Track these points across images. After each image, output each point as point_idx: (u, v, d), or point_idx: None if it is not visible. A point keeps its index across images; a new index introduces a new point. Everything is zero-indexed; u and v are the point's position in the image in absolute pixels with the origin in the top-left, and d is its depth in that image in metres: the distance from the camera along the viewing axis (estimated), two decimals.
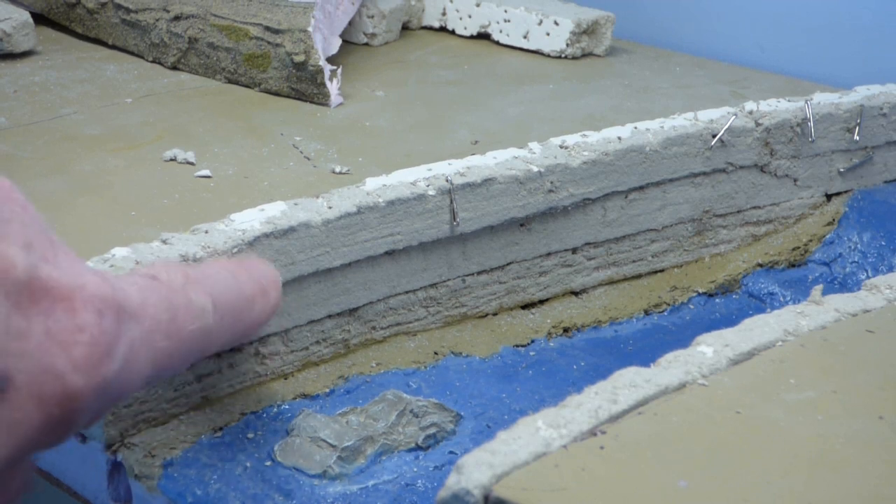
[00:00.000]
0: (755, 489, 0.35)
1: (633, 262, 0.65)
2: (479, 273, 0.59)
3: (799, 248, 0.67)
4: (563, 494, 0.35)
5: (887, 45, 0.90)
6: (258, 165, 0.68)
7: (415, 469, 0.49)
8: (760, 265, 0.66)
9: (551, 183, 0.59)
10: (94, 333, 0.33)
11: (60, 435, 0.33)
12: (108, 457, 0.48)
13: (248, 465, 0.47)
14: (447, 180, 0.56)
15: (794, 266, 0.67)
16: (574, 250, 0.62)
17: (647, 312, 0.63)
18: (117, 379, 0.34)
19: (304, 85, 0.79)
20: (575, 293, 0.63)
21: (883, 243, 0.66)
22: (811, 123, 0.66)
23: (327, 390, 0.52)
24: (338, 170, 0.67)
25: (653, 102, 0.81)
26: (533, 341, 0.59)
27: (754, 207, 0.67)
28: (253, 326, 0.45)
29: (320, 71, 0.78)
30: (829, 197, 0.69)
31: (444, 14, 0.98)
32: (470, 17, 0.96)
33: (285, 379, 0.53)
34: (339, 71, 0.80)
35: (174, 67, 0.85)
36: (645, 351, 0.58)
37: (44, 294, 0.32)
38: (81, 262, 0.34)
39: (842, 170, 0.69)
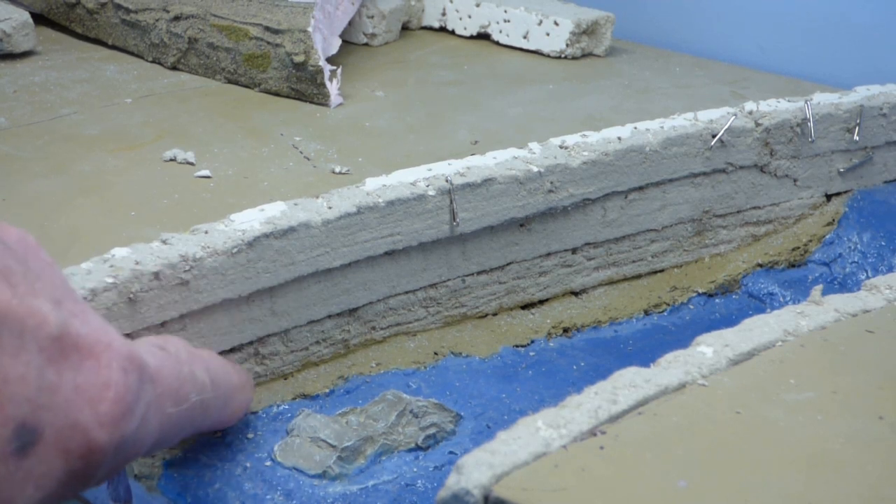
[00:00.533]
0: (755, 489, 0.35)
1: (633, 262, 0.65)
2: (478, 273, 0.59)
3: (799, 248, 0.67)
4: (563, 494, 0.35)
5: (887, 45, 0.90)
6: (258, 165, 0.68)
7: (415, 469, 0.49)
8: (760, 265, 0.66)
9: (551, 183, 0.59)
10: (120, 391, 0.34)
11: (77, 488, 0.34)
12: None
13: (248, 465, 0.47)
14: (447, 180, 0.56)
15: (793, 266, 0.67)
16: (574, 250, 0.62)
17: (646, 312, 0.63)
18: (133, 437, 0.35)
19: (303, 85, 0.79)
20: (575, 293, 0.63)
21: (883, 243, 0.66)
22: (811, 123, 0.66)
23: (327, 390, 0.52)
24: (338, 170, 0.67)
25: (653, 103, 0.81)
26: (533, 341, 0.59)
27: (754, 207, 0.67)
28: (235, 414, 0.46)
29: (320, 71, 0.78)
30: (828, 197, 0.70)
31: (443, 14, 0.98)
32: (470, 17, 0.96)
33: (285, 379, 0.53)
34: (339, 71, 0.80)
35: (174, 67, 0.85)
36: (645, 351, 0.58)
37: (73, 350, 0.33)
38: (105, 322, 0.35)
39: (842, 170, 0.69)
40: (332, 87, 0.79)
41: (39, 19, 0.93)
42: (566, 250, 0.62)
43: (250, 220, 0.50)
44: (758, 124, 0.65)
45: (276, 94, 0.81)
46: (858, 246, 0.66)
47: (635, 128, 0.62)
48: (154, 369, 0.37)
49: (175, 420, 0.39)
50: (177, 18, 0.84)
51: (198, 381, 0.41)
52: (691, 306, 0.64)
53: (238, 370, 0.47)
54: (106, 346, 0.34)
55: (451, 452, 0.50)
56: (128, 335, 0.47)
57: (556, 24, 0.92)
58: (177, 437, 0.41)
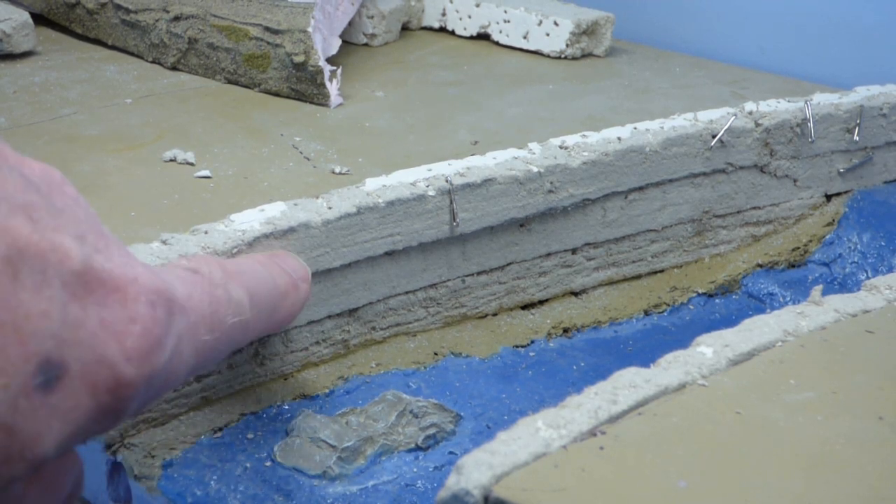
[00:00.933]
0: (755, 489, 0.35)
1: (633, 262, 0.65)
2: (478, 273, 0.59)
3: (799, 248, 0.67)
4: (563, 495, 0.35)
5: (887, 45, 0.90)
6: (258, 166, 0.68)
7: (414, 469, 0.49)
8: (760, 265, 0.66)
9: (551, 183, 0.59)
10: (147, 325, 0.33)
11: (109, 423, 0.34)
12: (108, 457, 0.48)
13: (247, 465, 0.47)
14: (447, 181, 0.56)
15: (793, 266, 0.67)
16: (574, 251, 0.62)
17: (646, 313, 0.63)
18: (165, 370, 0.35)
19: (303, 85, 0.79)
20: (575, 293, 0.63)
21: (882, 244, 0.66)
22: (811, 124, 0.66)
23: (327, 391, 0.52)
24: (337, 170, 0.67)
25: (652, 103, 0.81)
26: (533, 342, 0.59)
27: (754, 208, 0.67)
28: (285, 319, 0.46)
29: (320, 71, 0.78)
30: (828, 197, 0.70)
31: (443, 14, 0.98)
32: (470, 17, 0.96)
33: (285, 379, 0.53)
34: (339, 71, 0.80)
35: (174, 68, 0.85)
36: (645, 351, 0.58)
37: (98, 285, 0.33)
38: (132, 255, 0.35)
39: (841, 170, 0.69)
40: (332, 88, 0.79)
41: (39, 19, 0.93)
42: (566, 250, 0.62)
43: (250, 221, 0.50)
44: (758, 124, 0.65)
45: (276, 95, 0.81)
46: (858, 246, 0.66)
47: (635, 128, 0.62)
48: (184, 298, 0.37)
49: (212, 345, 0.39)
50: (177, 19, 0.84)
51: (234, 302, 0.40)
52: (691, 306, 0.64)
53: (285, 271, 0.46)
54: (131, 280, 0.33)
55: (451, 453, 0.50)
56: None
57: (555, 24, 0.92)
58: (216, 360, 0.41)
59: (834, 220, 0.68)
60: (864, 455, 0.38)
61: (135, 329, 0.33)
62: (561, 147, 0.60)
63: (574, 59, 0.92)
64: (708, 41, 0.99)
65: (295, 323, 0.53)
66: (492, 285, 0.60)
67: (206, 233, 0.49)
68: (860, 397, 0.41)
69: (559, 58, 0.92)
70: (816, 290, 0.48)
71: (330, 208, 0.52)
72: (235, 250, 0.49)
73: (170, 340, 0.35)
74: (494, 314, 0.60)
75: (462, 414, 0.52)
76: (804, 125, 0.66)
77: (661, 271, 0.66)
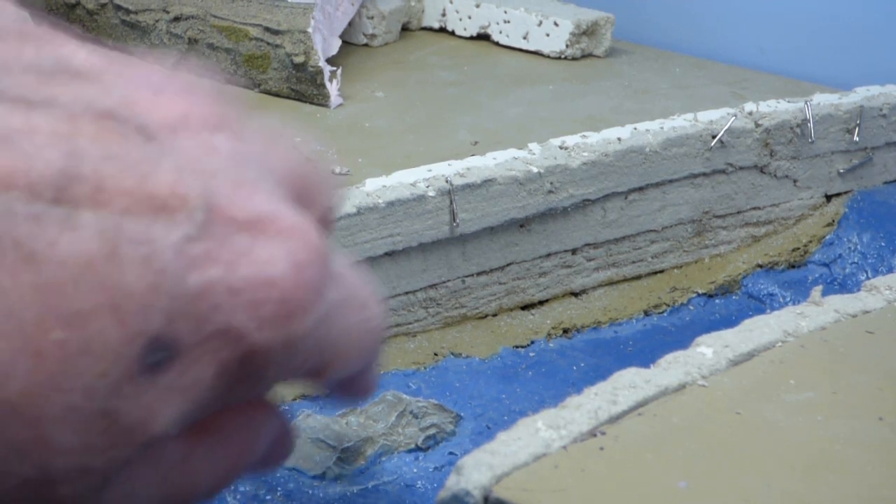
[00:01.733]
0: (755, 490, 0.35)
1: (633, 262, 0.65)
2: (478, 274, 0.59)
3: (799, 248, 0.67)
4: (563, 495, 0.35)
5: (887, 45, 0.90)
6: None
7: (414, 470, 0.49)
8: (760, 266, 0.66)
9: (551, 184, 0.59)
10: (287, 285, 0.27)
11: (247, 390, 0.28)
12: None
13: None
14: (447, 181, 0.56)
15: (793, 267, 0.67)
16: (574, 251, 0.62)
17: (646, 313, 0.63)
18: (313, 335, 0.29)
19: (303, 86, 0.79)
20: (575, 294, 0.63)
21: (883, 244, 0.66)
22: (811, 124, 0.66)
23: (327, 391, 0.52)
24: (337, 170, 0.67)
25: (653, 103, 0.81)
26: (533, 342, 0.59)
27: (754, 208, 0.67)
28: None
29: (320, 72, 0.78)
30: (828, 198, 0.69)
31: (443, 15, 0.98)
32: (470, 17, 0.96)
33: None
34: (339, 72, 0.80)
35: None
36: (645, 352, 0.58)
37: (224, 238, 0.27)
38: (275, 197, 0.28)
39: (841, 171, 0.69)
40: (332, 88, 0.79)
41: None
42: (566, 251, 0.62)
43: None
44: (758, 125, 0.65)
45: (276, 95, 0.81)
46: (858, 247, 0.66)
47: (635, 128, 0.62)
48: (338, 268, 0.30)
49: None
50: (177, 19, 0.84)
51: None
52: (691, 307, 0.64)
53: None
54: (271, 219, 0.27)
55: (451, 453, 0.50)
56: None
57: (555, 24, 0.92)
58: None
59: (834, 221, 0.68)
60: (864, 455, 0.37)
61: (273, 295, 0.27)
62: (561, 147, 0.60)
63: (574, 59, 0.92)
64: (708, 42, 0.99)
65: None
66: (492, 286, 0.60)
67: None
68: (860, 398, 0.41)
69: (559, 58, 0.92)
70: (816, 291, 0.48)
71: None
72: None
73: (318, 305, 0.28)
74: (494, 315, 0.60)
75: (462, 414, 0.52)
76: (804, 126, 0.66)
77: (661, 272, 0.66)
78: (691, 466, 0.36)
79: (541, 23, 0.92)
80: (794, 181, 0.68)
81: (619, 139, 0.61)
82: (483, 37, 0.96)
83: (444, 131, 0.75)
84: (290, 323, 0.27)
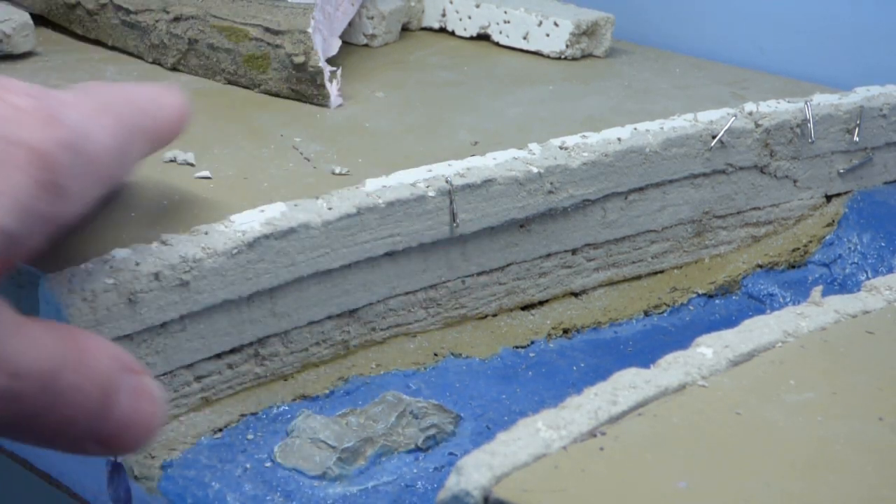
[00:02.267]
0: (755, 490, 0.35)
1: (633, 263, 0.65)
2: (478, 274, 0.59)
3: (799, 249, 0.67)
4: (563, 495, 0.35)
5: (887, 45, 0.90)
6: (258, 166, 0.68)
7: (414, 470, 0.49)
8: (760, 266, 0.66)
9: (551, 184, 0.59)
10: (34, 98, 0.36)
11: (59, 202, 0.36)
12: (108, 458, 0.48)
13: (247, 466, 0.47)
14: (447, 181, 0.56)
15: (793, 267, 0.67)
16: (574, 251, 0.62)
17: (646, 313, 0.63)
18: (81, 137, 0.37)
19: (303, 86, 0.79)
20: (575, 294, 0.63)
21: (883, 244, 0.66)
22: (811, 124, 0.66)
23: (327, 391, 0.52)
24: (337, 171, 0.67)
25: (653, 103, 0.81)
26: (533, 342, 0.59)
27: (754, 208, 0.67)
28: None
29: (320, 72, 0.78)
30: (828, 198, 0.70)
31: (443, 15, 0.98)
32: (469, 18, 0.96)
33: (285, 380, 0.53)
34: (339, 72, 0.80)
35: (174, 69, 0.85)
36: (645, 352, 0.58)
37: None
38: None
39: (841, 171, 0.69)
40: (332, 88, 0.79)
41: (39, 20, 0.93)
42: (566, 251, 0.62)
43: (250, 221, 0.50)
44: (758, 125, 0.65)
45: (276, 95, 0.81)
46: (858, 247, 0.66)
47: (635, 129, 0.62)
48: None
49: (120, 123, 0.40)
50: (177, 19, 0.84)
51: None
52: (691, 307, 0.64)
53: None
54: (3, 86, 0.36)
55: (451, 453, 0.50)
56: (127, 336, 0.47)
57: (555, 24, 0.92)
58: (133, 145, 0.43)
59: (834, 221, 0.68)
60: (864, 455, 0.38)
61: (28, 103, 0.35)
62: (561, 147, 0.60)
63: (574, 59, 0.92)
64: (708, 42, 0.99)
65: (295, 324, 0.53)
66: (492, 286, 0.60)
67: (206, 233, 0.49)
68: (860, 398, 0.41)
69: (559, 58, 0.92)
70: (816, 291, 0.48)
71: (330, 209, 0.52)
72: (236, 251, 0.49)
73: (70, 115, 0.37)
74: (494, 315, 0.60)
75: (462, 415, 0.52)
76: (804, 126, 0.66)
77: (661, 272, 0.66)
78: (691, 466, 0.36)
79: (541, 23, 0.92)
80: (794, 181, 0.68)
81: (619, 139, 0.61)
82: (483, 37, 0.96)
83: (444, 131, 0.75)
84: (53, 121, 0.36)
